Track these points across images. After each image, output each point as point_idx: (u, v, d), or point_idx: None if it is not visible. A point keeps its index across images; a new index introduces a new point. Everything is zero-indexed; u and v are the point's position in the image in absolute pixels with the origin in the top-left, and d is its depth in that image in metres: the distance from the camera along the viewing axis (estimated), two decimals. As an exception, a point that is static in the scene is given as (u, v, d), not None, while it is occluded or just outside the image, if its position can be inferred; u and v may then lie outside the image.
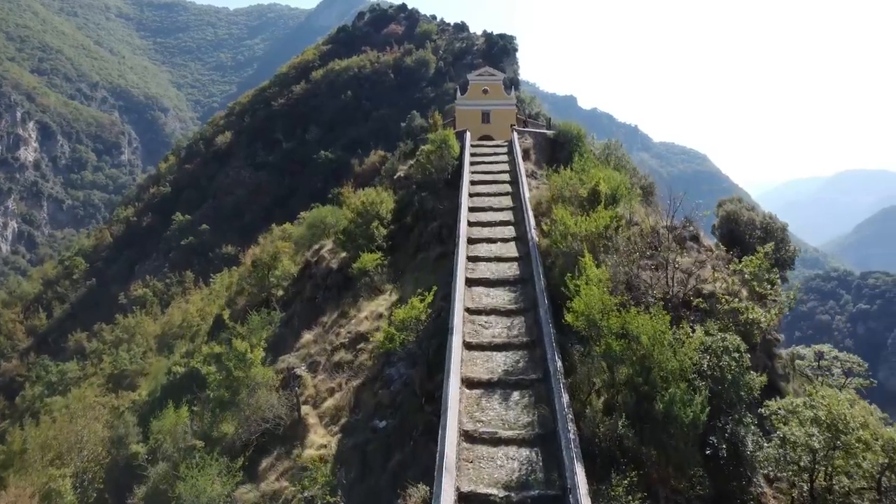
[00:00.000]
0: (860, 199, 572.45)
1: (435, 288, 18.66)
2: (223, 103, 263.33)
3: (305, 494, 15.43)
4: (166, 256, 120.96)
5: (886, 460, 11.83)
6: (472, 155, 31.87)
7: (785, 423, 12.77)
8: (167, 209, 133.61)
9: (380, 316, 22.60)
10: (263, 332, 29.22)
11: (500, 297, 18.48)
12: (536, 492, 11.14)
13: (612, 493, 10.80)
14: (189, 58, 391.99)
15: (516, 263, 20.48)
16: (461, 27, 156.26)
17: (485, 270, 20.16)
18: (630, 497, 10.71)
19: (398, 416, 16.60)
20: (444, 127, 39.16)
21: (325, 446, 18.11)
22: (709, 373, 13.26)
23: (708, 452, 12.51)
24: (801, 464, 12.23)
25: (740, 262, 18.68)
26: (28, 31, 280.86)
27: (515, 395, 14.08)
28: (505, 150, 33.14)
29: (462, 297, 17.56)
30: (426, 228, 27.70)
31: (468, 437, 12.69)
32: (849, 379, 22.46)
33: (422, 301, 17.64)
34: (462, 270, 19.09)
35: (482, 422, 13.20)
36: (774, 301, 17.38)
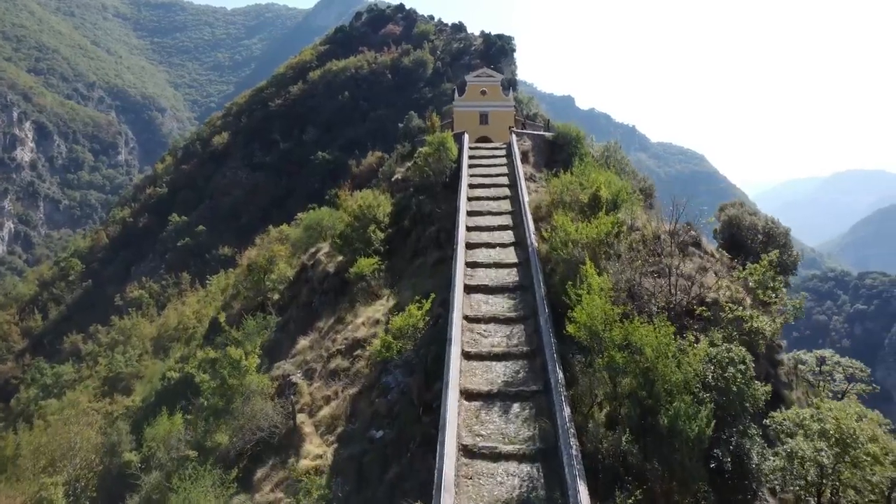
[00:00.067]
0: (858, 200, 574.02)
1: (433, 295, 18.34)
2: (220, 103, 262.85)
3: (301, 507, 15.11)
4: (163, 258, 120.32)
5: (896, 474, 11.59)
6: (471, 157, 31.51)
7: (791, 436, 12.51)
8: (164, 210, 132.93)
9: (377, 322, 22.28)
10: (259, 337, 28.80)
11: (500, 305, 18.16)
12: (538, 510, 10.82)
13: (617, 512, 10.49)
14: (186, 58, 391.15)
15: (515, 269, 20.15)
16: (459, 27, 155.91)
17: (483, 277, 19.83)
18: (634, 516, 10.38)
19: (395, 427, 16.27)
20: (442, 128, 38.90)
21: (321, 456, 17.78)
22: (713, 384, 12.98)
23: (713, 466, 12.21)
24: (809, 478, 11.97)
25: (743, 268, 18.38)
26: (24, 31, 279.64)
27: (515, 407, 13.76)
28: (503, 152, 32.81)
29: (460, 305, 17.23)
30: (424, 232, 27.38)
31: (467, 451, 12.37)
32: (851, 385, 22.16)
33: (419, 308, 17.33)
34: (460, 277, 18.76)
35: (482, 436, 12.87)
36: (780, 310, 17.06)
